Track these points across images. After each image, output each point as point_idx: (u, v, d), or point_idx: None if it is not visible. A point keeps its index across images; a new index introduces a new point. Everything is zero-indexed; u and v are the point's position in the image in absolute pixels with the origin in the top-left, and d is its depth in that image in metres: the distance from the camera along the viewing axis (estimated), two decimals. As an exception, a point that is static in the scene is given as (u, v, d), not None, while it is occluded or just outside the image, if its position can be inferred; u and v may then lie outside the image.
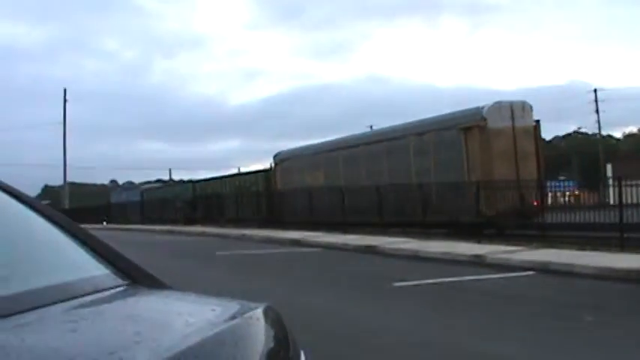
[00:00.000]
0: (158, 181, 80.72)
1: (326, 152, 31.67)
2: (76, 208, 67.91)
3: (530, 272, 13.60)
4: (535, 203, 22.69)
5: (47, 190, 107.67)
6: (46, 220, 2.25)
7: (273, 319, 1.96)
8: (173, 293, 2.23)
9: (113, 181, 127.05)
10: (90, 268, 2.13)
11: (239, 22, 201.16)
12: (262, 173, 38.56)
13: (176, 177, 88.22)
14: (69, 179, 79.23)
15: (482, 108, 23.80)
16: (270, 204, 35.50)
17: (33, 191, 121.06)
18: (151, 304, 2.06)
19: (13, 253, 2.05)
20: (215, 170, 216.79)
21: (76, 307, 1.80)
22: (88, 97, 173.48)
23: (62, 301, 1.78)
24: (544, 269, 13.67)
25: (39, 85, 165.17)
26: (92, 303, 1.89)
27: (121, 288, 2.08)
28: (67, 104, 72.49)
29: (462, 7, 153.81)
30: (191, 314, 1.89)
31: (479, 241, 18.96)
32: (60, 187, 77.54)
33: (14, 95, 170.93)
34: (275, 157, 36.14)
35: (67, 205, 69.95)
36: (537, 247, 17.01)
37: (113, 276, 2.12)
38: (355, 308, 10.14)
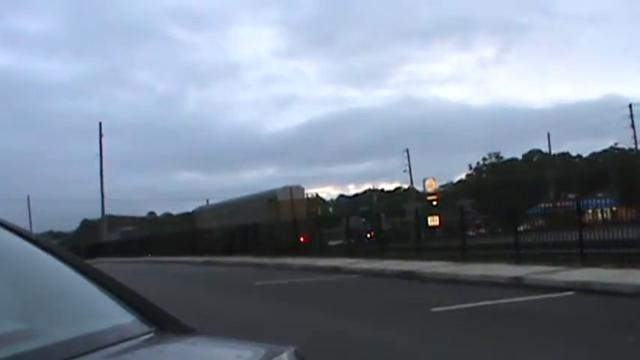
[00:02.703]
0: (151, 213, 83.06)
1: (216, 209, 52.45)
2: (116, 241, 68.60)
3: (570, 292, 13.46)
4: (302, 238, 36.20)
5: (86, 224, 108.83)
6: (66, 265, 2.23)
7: None
8: (200, 339, 2.22)
9: (151, 213, 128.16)
10: (115, 315, 2.11)
11: (271, 50, 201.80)
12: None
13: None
14: (108, 212, 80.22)
15: (275, 190, 43.31)
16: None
17: (72, 226, 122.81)
18: (177, 351, 2.08)
19: (35, 303, 2.06)
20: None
21: (102, 359, 1.80)
22: (123, 129, 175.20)
23: (88, 352, 1.77)
24: (584, 289, 13.51)
25: (75, 120, 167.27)
26: (119, 353, 1.88)
27: (148, 336, 2.06)
28: (103, 138, 73.71)
29: (494, 26, 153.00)
30: None
31: (518, 262, 18.82)
32: (99, 220, 78.37)
33: (52, 131, 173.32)
34: (193, 211, 58.76)
35: (105, 238, 70.70)
36: (577, 267, 16.82)
37: (139, 323, 2.10)
38: (392, 335, 10.10)
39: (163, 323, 2.17)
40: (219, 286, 20.99)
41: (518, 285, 15.03)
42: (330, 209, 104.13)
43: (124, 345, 1.93)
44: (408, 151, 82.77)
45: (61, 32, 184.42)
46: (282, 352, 1.96)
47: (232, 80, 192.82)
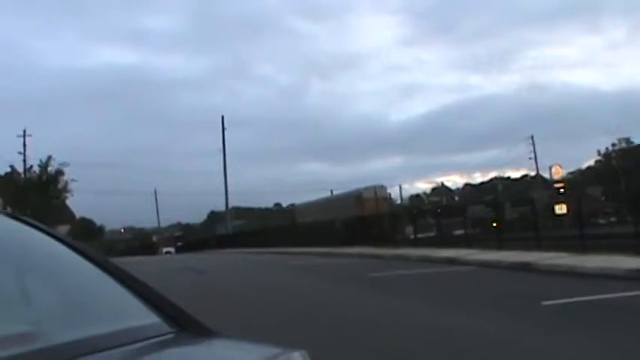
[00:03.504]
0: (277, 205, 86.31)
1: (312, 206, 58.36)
2: (239, 232, 70.32)
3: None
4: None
5: (213, 216, 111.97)
6: (94, 265, 2.36)
7: None
8: (217, 340, 2.28)
9: (277, 204, 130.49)
10: (138, 315, 2.22)
11: (393, 38, 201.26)
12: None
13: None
14: (235, 204, 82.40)
15: (361, 189, 49.79)
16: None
17: (200, 217, 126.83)
18: (191, 352, 2.16)
19: (62, 301, 2.19)
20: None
21: (119, 356, 1.90)
22: (248, 122, 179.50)
23: (106, 349, 1.87)
24: None
25: (200, 114, 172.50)
26: (136, 351, 1.97)
27: (168, 336, 2.14)
28: (227, 131, 75.68)
29: (624, 6, 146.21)
30: None
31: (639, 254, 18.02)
32: (224, 212, 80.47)
33: (177, 125, 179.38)
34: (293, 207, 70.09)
35: (230, 229, 72.56)
36: None
37: (161, 323, 2.19)
38: (494, 328, 9.91)
39: (185, 324, 2.25)
40: (332, 277, 21.16)
41: (638, 278, 14.40)
42: (456, 198, 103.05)
43: (143, 344, 2.03)
44: (533, 137, 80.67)
45: (184, 29, 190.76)
46: (289, 355, 2.01)
47: (354, 70, 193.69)
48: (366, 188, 49.83)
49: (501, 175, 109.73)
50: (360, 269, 22.70)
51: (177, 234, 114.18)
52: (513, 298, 13.41)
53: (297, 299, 15.31)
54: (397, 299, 14.35)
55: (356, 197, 49.46)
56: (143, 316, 2.21)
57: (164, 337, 2.13)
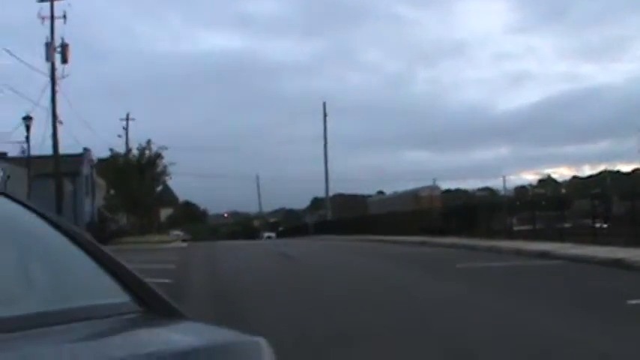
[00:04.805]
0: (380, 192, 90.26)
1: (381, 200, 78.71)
2: (338, 219, 70.78)
3: None
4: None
5: (315, 202, 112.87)
6: (72, 242, 2.42)
7: (255, 353, 1.97)
8: (181, 322, 2.30)
9: (380, 192, 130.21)
10: (109, 293, 2.28)
11: (500, 25, 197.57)
12: None
13: (443, 186, 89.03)
14: (337, 191, 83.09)
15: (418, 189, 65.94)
16: None
17: (303, 203, 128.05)
18: (148, 331, 2.18)
19: (35, 274, 2.29)
20: (482, 179, 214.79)
21: (75, 331, 1.97)
22: (351, 109, 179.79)
23: (67, 323, 1.97)
24: None
25: (304, 100, 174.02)
26: (93, 326, 2.03)
27: (132, 315, 2.19)
28: (331, 117, 76.32)
29: None
30: (169, 342, 1.97)
31: None
32: (324, 199, 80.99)
33: (282, 110, 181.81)
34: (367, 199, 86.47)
35: (329, 216, 73.06)
36: None
37: (131, 303, 2.24)
38: (571, 325, 9.65)
39: (155, 306, 2.29)
40: (419, 266, 21.07)
41: None
42: (563, 190, 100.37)
43: (104, 320, 2.10)
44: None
45: (292, 13, 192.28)
46: (252, 340, 2.01)
47: (461, 58, 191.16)
48: (422, 188, 66.24)
49: (611, 168, 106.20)
50: (450, 259, 22.52)
51: (272, 220, 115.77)
52: (597, 295, 13.00)
53: (373, 283, 15.38)
54: (475, 290, 14.18)
55: (414, 195, 63.26)
56: (113, 295, 2.27)
57: (128, 316, 2.19)
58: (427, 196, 60.79)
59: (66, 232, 2.49)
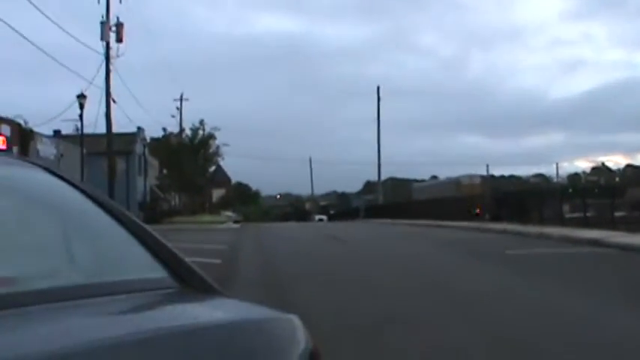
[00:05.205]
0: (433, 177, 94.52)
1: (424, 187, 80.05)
2: (389, 203, 70.73)
3: None
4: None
5: (368, 186, 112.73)
6: (113, 218, 2.48)
7: (287, 330, 2.01)
8: (216, 298, 2.36)
9: (434, 177, 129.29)
10: (146, 268, 2.35)
11: (557, 12, 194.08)
12: None
13: (496, 172, 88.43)
14: (391, 175, 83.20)
15: (458, 177, 69.67)
16: None
17: (356, 187, 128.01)
18: (184, 306, 2.24)
19: (71, 248, 2.39)
20: (535, 165, 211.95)
21: (111, 304, 2.04)
22: (407, 93, 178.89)
23: (102, 296, 2.03)
24: None
25: (360, 83, 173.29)
26: (128, 300, 2.10)
27: (169, 290, 2.25)
28: (385, 101, 76.26)
29: None
30: (202, 316, 2.05)
31: None
32: (378, 182, 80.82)
33: (337, 94, 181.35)
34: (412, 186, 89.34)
35: (381, 200, 73.03)
36: None
37: (167, 278, 2.29)
38: (601, 313, 9.54)
39: (191, 281, 2.34)
40: (468, 252, 21.00)
41: None
42: (617, 179, 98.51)
43: (139, 294, 2.15)
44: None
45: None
46: (286, 317, 2.07)
47: (517, 44, 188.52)
48: (463, 176, 69.57)
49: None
50: (500, 245, 22.37)
51: (323, 203, 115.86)
52: (635, 285, 12.79)
53: (422, 271, 15.44)
54: (520, 276, 14.16)
55: (456, 183, 67.01)
56: (152, 270, 2.34)
57: (165, 291, 2.26)
58: (468, 184, 64.66)
59: (107, 209, 2.56)
